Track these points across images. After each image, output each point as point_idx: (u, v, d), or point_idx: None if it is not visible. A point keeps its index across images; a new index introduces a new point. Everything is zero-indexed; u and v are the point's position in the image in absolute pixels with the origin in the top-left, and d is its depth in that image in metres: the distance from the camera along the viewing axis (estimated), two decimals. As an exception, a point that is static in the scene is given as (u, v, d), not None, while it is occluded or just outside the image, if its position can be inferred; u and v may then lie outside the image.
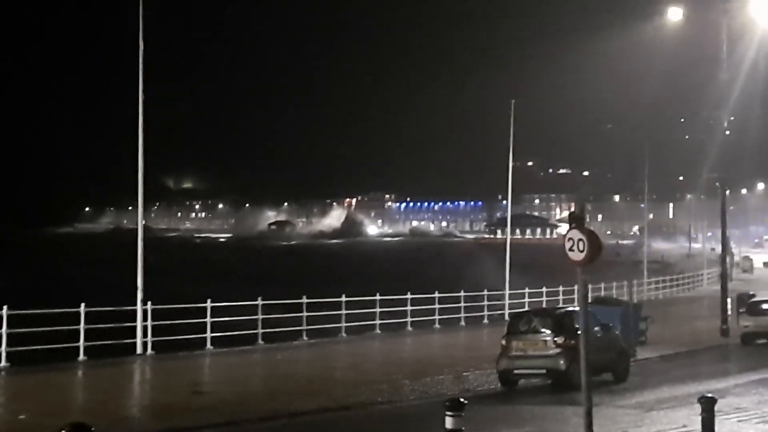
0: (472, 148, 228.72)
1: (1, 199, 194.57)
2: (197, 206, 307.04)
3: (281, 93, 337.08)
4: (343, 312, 33.89)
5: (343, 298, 34.01)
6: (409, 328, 36.94)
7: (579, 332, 14.72)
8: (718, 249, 50.77)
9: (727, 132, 42.68)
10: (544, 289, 46.05)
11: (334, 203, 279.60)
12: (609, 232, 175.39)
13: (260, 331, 30.53)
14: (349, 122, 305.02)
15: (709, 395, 12.84)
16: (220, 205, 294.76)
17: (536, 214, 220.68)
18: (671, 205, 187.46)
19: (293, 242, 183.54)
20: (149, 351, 27.04)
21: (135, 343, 26.87)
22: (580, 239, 12.08)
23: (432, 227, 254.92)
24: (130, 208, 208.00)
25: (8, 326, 24.02)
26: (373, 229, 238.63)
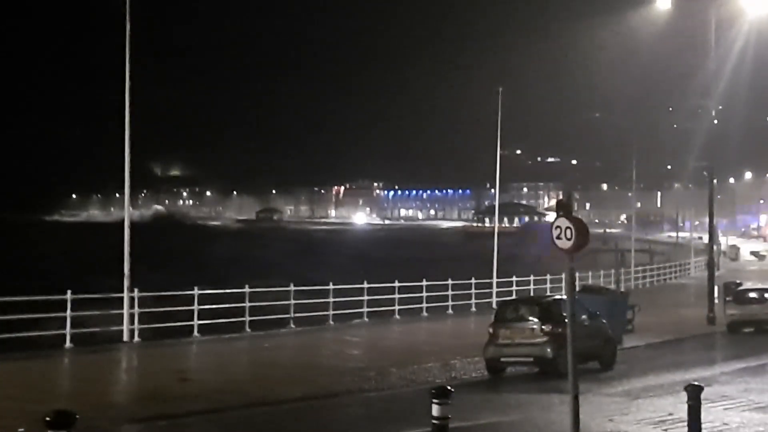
0: (460, 136, 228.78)
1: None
2: (185, 193, 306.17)
3: (269, 80, 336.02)
4: (331, 300, 33.89)
5: (331, 286, 34.01)
6: (397, 316, 36.96)
7: (566, 320, 14.72)
8: (705, 238, 50.92)
9: (715, 121, 42.79)
10: (531, 278, 46.13)
11: (322, 191, 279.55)
12: (597, 221, 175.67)
13: (247, 318, 30.48)
14: (337, 110, 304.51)
15: (696, 383, 12.86)
16: (208, 193, 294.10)
17: (524, 202, 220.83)
18: (659, 193, 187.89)
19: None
20: (136, 338, 26.97)
21: (122, 331, 26.79)
22: (567, 227, 12.07)
23: (420, 215, 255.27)
24: (117, 195, 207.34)
25: (-6, 313, 23.93)
26: (360, 216, 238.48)
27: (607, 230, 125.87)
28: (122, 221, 27.69)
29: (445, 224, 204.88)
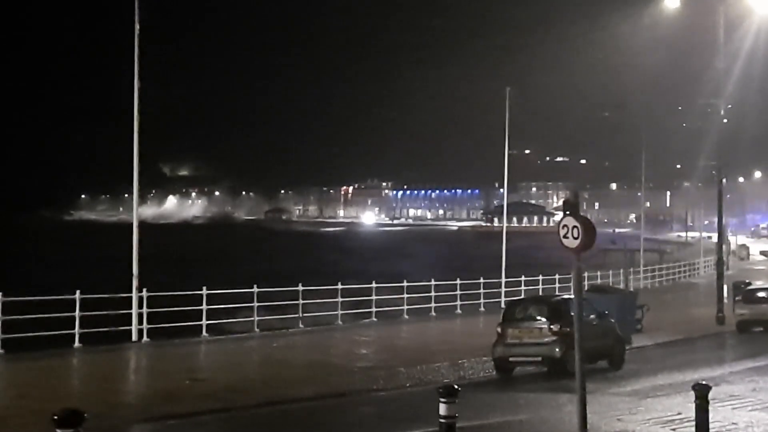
0: (469, 135, 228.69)
1: None
2: (194, 193, 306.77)
3: (278, 80, 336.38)
4: (339, 300, 33.90)
5: (339, 286, 34.01)
6: (406, 316, 36.95)
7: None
8: (715, 237, 50.77)
9: (725, 120, 42.66)
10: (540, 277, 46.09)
11: (331, 191, 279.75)
12: (606, 220, 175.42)
13: (256, 318, 30.51)
14: (346, 110, 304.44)
15: (704, 382, 12.84)
16: (217, 192, 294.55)
17: (533, 202, 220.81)
18: (668, 193, 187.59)
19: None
20: (144, 338, 27.03)
21: (130, 331, 26.84)
22: (574, 226, 12.06)
23: (429, 215, 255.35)
24: (126, 195, 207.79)
25: (3, 313, 23.99)
26: (369, 216, 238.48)
27: (617, 230, 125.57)
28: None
29: (460, 224, 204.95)
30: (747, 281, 42.19)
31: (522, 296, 39.31)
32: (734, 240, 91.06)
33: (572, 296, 20.49)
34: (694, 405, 12.55)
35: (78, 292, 25.35)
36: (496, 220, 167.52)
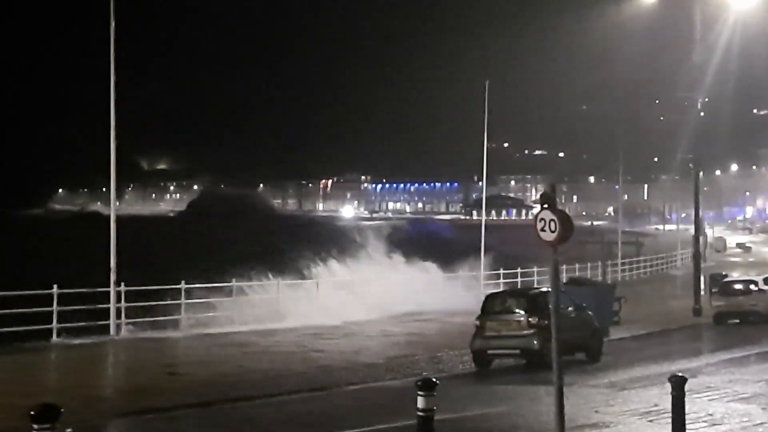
0: (448, 129, 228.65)
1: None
2: (172, 187, 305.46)
3: (256, 73, 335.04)
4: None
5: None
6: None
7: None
8: (691, 230, 51.07)
9: (702, 113, 42.93)
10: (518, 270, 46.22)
11: (310, 184, 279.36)
12: (584, 213, 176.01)
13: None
14: (324, 103, 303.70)
15: (680, 374, 12.93)
16: (195, 186, 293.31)
17: (512, 195, 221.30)
18: (646, 186, 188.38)
19: None
20: (123, 333, 26.93)
21: (108, 325, 26.74)
22: (551, 219, 12.09)
23: (408, 208, 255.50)
24: (104, 189, 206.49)
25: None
26: (348, 210, 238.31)
27: (594, 222, 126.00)
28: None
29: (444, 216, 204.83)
30: (724, 273, 42.49)
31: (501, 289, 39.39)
32: (711, 232, 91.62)
33: (550, 289, 20.64)
34: (670, 396, 12.63)
35: (56, 286, 25.23)
36: (475, 213, 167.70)
